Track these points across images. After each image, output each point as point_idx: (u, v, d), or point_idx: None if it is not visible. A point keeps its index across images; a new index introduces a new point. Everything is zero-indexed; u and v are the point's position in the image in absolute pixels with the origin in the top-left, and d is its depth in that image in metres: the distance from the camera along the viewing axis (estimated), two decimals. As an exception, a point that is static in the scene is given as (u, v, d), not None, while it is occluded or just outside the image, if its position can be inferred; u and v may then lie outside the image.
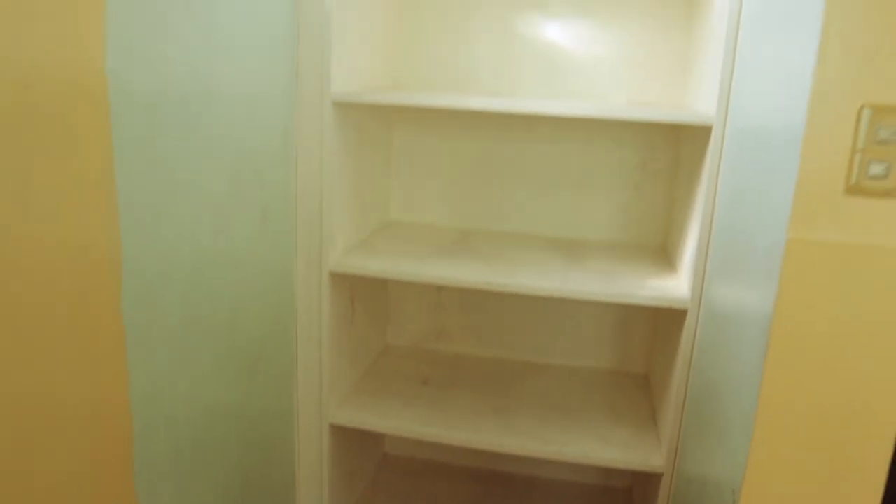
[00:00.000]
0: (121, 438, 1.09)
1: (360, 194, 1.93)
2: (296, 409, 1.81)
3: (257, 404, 1.60)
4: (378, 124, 2.05)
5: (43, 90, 0.87)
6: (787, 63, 1.09)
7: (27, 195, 0.86)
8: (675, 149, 2.03)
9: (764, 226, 1.12)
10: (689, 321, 1.61)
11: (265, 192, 1.53)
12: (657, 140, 2.04)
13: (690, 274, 1.61)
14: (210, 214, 1.31)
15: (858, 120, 0.93)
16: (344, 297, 1.86)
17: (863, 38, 0.92)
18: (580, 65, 2.04)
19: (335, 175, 1.71)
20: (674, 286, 1.69)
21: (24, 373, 0.89)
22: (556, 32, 2.04)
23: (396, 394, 1.98)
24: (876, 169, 0.94)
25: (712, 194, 1.54)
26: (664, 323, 1.93)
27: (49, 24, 0.87)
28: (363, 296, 2.03)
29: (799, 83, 0.99)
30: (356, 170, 1.87)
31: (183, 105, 1.18)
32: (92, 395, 1.02)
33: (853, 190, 0.96)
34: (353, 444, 2.03)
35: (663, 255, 1.99)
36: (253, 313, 1.53)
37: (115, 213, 1.02)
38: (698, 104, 1.71)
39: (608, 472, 2.26)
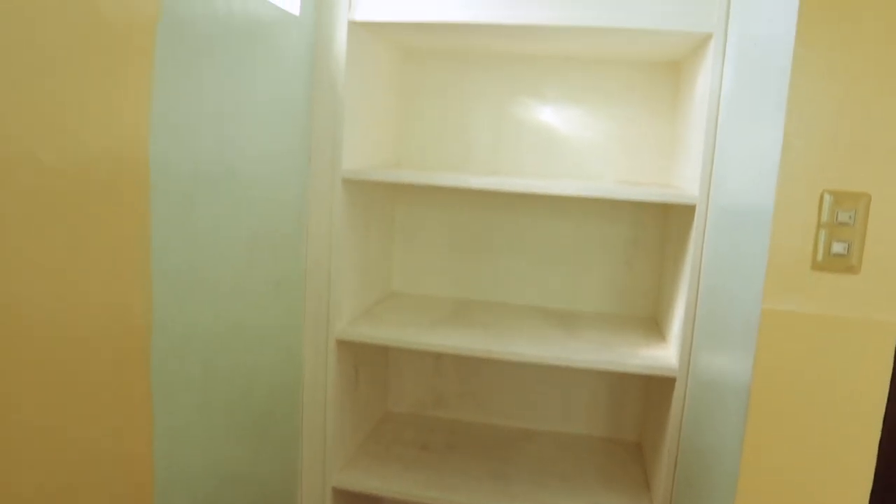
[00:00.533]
0: (144, 490, 1.16)
1: (364, 266, 2.04)
2: (300, 471, 1.87)
3: (265, 465, 1.66)
4: (382, 200, 2.17)
5: (97, 171, 0.98)
6: (758, 149, 1.21)
7: (78, 263, 0.96)
8: (663, 225, 2.15)
9: (742, 298, 1.22)
10: (679, 389, 1.69)
11: (279, 262, 1.64)
12: (646, 217, 2.16)
13: (679, 344, 1.70)
14: (230, 282, 1.41)
15: (821, 204, 1.05)
16: (349, 364, 1.95)
17: (822, 131, 1.05)
18: (573, 146, 2.18)
19: (343, 248, 1.82)
20: (663, 355, 1.78)
21: (62, 422, 0.97)
22: (551, 116, 2.18)
23: (396, 458, 2.04)
24: (838, 248, 1.04)
25: (697, 268, 1.65)
26: (655, 391, 2.01)
27: (105, 114, 0.99)
28: (365, 363, 2.11)
29: (768, 169, 1.10)
30: (362, 243, 1.99)
31: (212, 183, 1.30)
32: (120, 446, 1.10)
33: (819, 266, 1.06)
34: (353, 508, 2.08)
35: (653, 326, 2.09)
36: (264, 377, 1.61)
37: (150, 280, 1.12)
38: (684, 183, 1.84)
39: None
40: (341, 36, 1.73)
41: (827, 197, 1.04)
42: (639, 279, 2.20)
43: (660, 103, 2.11)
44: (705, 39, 1.65)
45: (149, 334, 1.13)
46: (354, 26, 1.75)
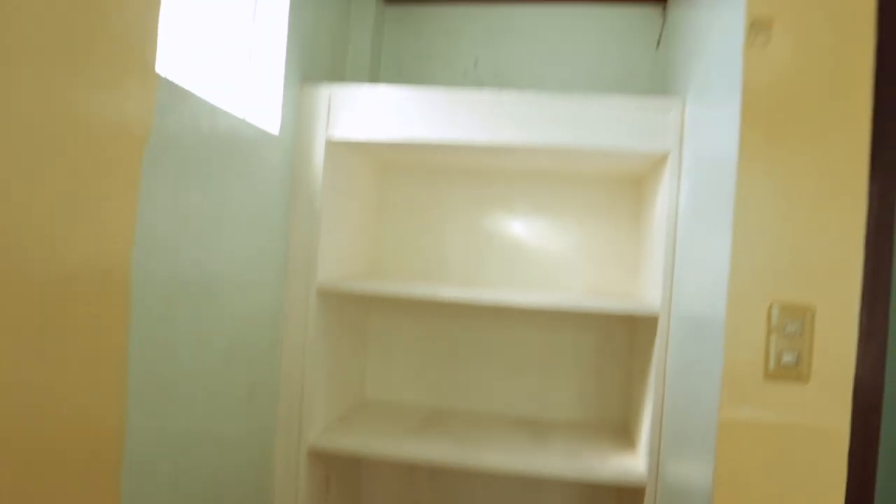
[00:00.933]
0: None
1: (338, 374, 2.05)
2: (267, 588, 1.83)
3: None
4: (356, 309, 2.21)
5: (80, 284, 1.02)
6: (710, 264, 1.28)
7: (56, 373, 0.99)
8: (629, 334, 2.20)
9: (701, 406, 1.26)
10: (648, 499, 1.70)
11: (253, 371, 1.66)
12: (613, 326, 2.22)
13: (647, 451, 1.72)
14: (203, 392, 1.43)
15: (769, 316, 1.11)
16: (320, 475, 1.93)
17: (767, 246, 1.12)
18: (543, 257, 2.26)
19: (317, 356, 1.84)
20: (632, 464, 1.79)
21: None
22: (521, 229, 2.27)
23: (367, 574, 2.00)
24: (787, 358, 1.10)
25: (662, 376, 1.69)
26: (627, 499, 2.01)
27: (92, 229, 1.04)
28: (337, 472, 2.09)
29: (719, 282, 1.17)
30: (336, 351, 2.01)
31: (190, 294, 1.34)
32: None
33: (771, 375, 1.12)
34: None
35: (624, 433, 2.10)
36: (235, 487, 1.59)
37: (125, 390, 1.14)
38: (648, 293, 1.91)
39: None
40: (319, 153, 1.82)
41: (775, 309, 1.11)
42: (608, 387, 2.23)
43: (624, 216, 2.21)
44: (663, 158, 1.76)
45: (121, 444, 1.14)
46: (332, 144, 1.85)
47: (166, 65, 1.32)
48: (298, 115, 1.84)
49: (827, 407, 1.10)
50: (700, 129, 1.52)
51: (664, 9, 2.25)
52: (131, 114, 1.12)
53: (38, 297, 0.94)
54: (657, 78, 2.25)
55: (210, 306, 1.43)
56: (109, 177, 1.08)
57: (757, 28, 1.11)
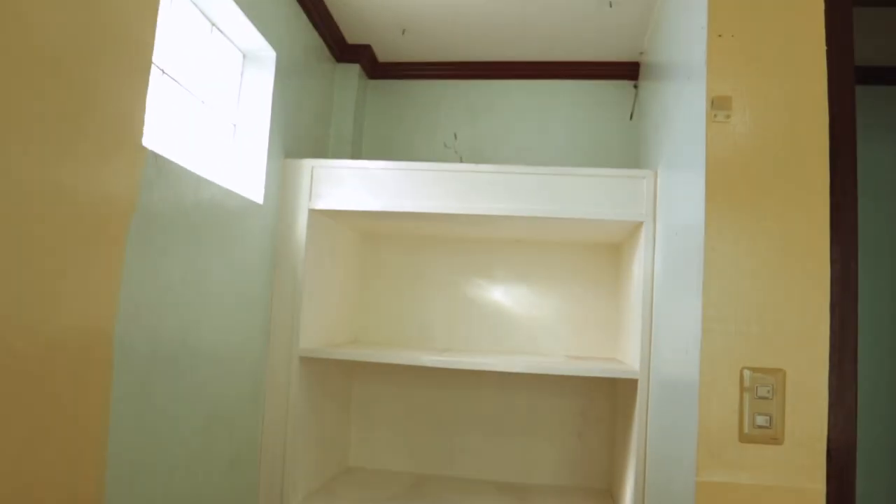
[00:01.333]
0: None
1: (321, 442, 2.05)
2: None
3: None
4: (339, 376, 2.22)
5: (63, 352, 1.03)
6: (683, 329, 1.31)
7: (37, 440, 0.99)
8: (611, 397, 2.22)
9: (680, 469, 1.28)
10: (633, 565, 1.69)
11: (234, 441, 1.65)
12: (595, 390, 2.23)
13: (630, 517, 1.72)
14: (184, 461, 1.42)
15: (742, 380, 1.14)
16: (301, 545, 1.91)
17: (736, 312, 1.15)
18: (524, 323, 2.29)
19: (299, 424, 1.84)
20: (617, 530, 1.79)
21: None
22: (502, 295, 2.31)
23: None
24: (761, 420, 1.12)
25: (643, 440, 1.70)
26: (613, 569, 1.99)
27: (75, 301, 1.06)
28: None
29: (692, 348, 1.20)
30: (319, 419, 2.01)
31: (172, 363, 1.35)
32: None
33: (746, 438, 1.14)
34: None
35: (608, 497, 2.09)
36: (214, 562, 1.57)
37: (105, 460, 1.14)
38: (628, 357, 1.93)
39: None
40: (302, 222, 1.86)
41: (746, 373, 1.14)
42: (591, 451, 2.23)
43: (604, 281, 2.26)
44: (637, 227, 1.82)
45: (101, 516, 1.14)
46: (314, 213, 1.89)
47: (153, 137, 1.36)
48: (282, 186, 1.88)
49: (802, 468, 1.12)
50: (670, 199, 1.57)
51: (636, 84, 2.35)
52: (119, 188, 1.15)
53: (21, 365, 0.95)
54: (631, 147, 2.33)
55: (192, 375, 1.44)
56: (95, 249, 1.10)
57: (717, 105, 1.17)
